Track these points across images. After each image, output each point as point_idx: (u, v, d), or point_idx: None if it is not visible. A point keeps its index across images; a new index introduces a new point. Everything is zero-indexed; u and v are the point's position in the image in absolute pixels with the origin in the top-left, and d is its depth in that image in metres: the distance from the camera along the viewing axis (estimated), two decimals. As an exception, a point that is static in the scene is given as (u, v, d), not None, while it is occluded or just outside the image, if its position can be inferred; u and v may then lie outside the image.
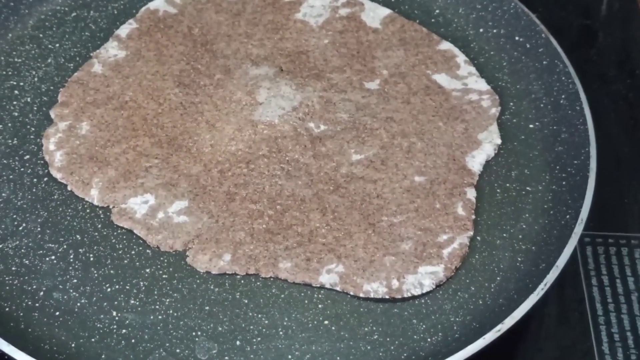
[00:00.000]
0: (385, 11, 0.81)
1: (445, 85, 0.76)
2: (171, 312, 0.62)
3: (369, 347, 0.60)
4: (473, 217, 0.67)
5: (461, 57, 0.78)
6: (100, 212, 0.67)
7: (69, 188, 0.68)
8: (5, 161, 0.70)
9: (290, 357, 0.60)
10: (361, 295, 0.62)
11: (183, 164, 0.69)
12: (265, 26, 0.80)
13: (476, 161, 0.70)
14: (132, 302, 0.62)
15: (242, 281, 0.63)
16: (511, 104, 0.76)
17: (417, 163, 0.70)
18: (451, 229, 0.66)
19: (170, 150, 0.70)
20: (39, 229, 0.66)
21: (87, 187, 0.68)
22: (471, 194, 0.68)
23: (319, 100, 0.73)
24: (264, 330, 0.61)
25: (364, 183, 0.68)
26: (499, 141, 0.72)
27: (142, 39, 0.78)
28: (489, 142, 0.72)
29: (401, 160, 0.70)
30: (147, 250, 0.65)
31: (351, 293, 0.63)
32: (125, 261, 0.64)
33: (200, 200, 0.67)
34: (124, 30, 0.79)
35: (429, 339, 0.61)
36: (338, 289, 0.63)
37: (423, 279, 0.63)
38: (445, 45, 0.79)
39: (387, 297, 0.62)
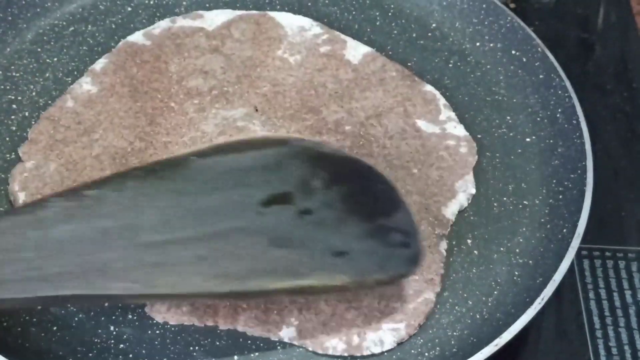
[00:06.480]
0: (366, 49, 0.80)
1: (423, 129, 0.74)
2: (168, 326, 0.62)
3: (366, 362, 0.61)
4: (442, 272, 0.65)
5: (441, 101, 0.76)
6: (98, 226, 0.67)
7: None
8: (3, 175, 0.70)
9: (287, 371, 0.60)
10: (319, 352, 0.61)
11: None
12: (244, 62, 0.78)
13: (449, 211, 0.68)
14: (130, 316, 0.62)
15: (240, 296, 0.64)
16: (508, 117, 0.76)
17: None
18: (417, 283, 0.64)
19: None
20: (36, 243, 0.66)
21: None
22: (442, 246, 0.66)
23: None
24: (261, 344, 0.61)
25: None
26: (473, 191, 0.70)
27: (117, 74, 0.76)
28: (463, 192, 0.70)
29: None
30: (145, 265, 0.65)
31: (310, 349, 0.61)
32: (123, 276, 0.64)
33: None
34: (99, 65, 0.77)
35: (426, 353, 0.61)
36: (296, 343, 0.61)
37: (384, 335, 0.61)
38: (426, 87, 0.77)
39: (345, 354, 0.60)
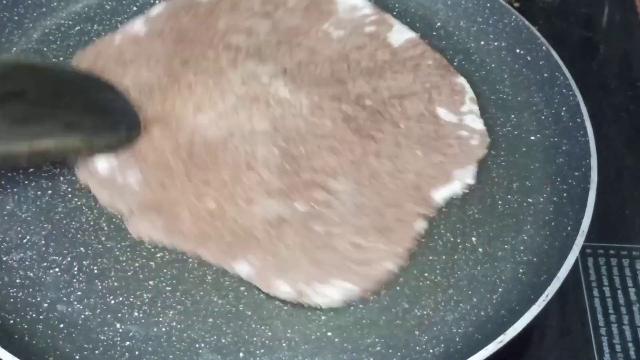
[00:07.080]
0: (411, 35, 0.80)
1: (441, 116, 0.74)
2: (175, 324, 0.62)
3: (371, 359, 0.61)
4: (410, 247, 0.65)
5: (469, 94, 0.76)
6: (104, 224, 0.67)
7: None
8: (9, 174, 0.70)
9: (293, 368, 0.60)
10: (264, 290, 0.63)
11: (158, 138, 0.70)
12: (288, 30, 0.79)
13: (439, 195, 0.69)
14: (136, 314, 0.62)
15: (246, 293, 0.64)
16: (512, 116, 0.76)
17: (380, 184, 0.68)
18: (385, 252, 0.64)
19: (152, 122, 0.71)
20: (43, 241, 0.66)
21: None
22: (419, 224, 0.67)
23: (309, 104, 0.73)
24: (267, 342, 0.61)
25: (320, 191, 0.67)
26: (470, 182, 0.70)
27: (168, 21, 0.79)
28: (459, 180, 0.70)
29: (365, 179, 0.69)
30: (151, 263, 0.65)
31: (261, 288, 0.63)
32: (129, 273, 0.65)
33: (160, 173, 0.68)
34: (155, 10, 0.81)
35: (431, 350, 0.61)
36: (251, 281, 0.63)
37: (331, 291, 0.62)
38: (458, 79, 0.77)
39: (288, 298, 0.62)
